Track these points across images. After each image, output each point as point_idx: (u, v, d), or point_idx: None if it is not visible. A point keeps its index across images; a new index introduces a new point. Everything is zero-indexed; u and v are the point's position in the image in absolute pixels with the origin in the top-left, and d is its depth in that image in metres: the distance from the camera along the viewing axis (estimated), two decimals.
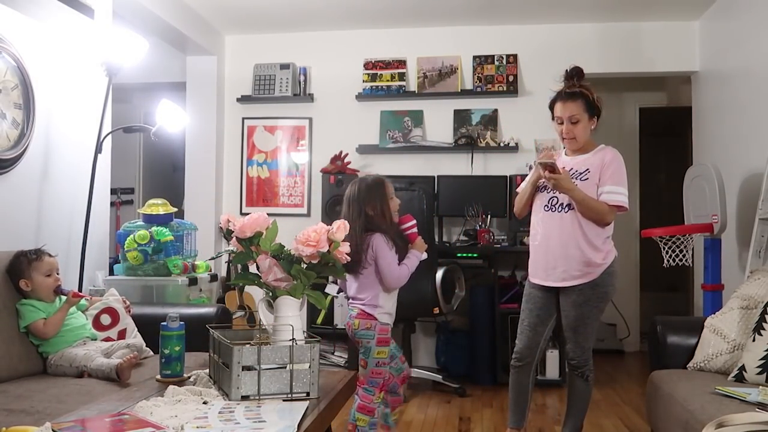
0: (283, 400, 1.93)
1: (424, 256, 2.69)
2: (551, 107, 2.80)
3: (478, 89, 4.91)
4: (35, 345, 2.51)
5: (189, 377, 2.22)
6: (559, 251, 2.70)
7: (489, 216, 4.58)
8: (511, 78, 4.88)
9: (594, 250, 2.68)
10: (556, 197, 2.71)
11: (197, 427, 1.65)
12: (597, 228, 2.69)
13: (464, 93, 4.93)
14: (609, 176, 2.68)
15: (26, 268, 2.53)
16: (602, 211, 2.66)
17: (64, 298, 2.61)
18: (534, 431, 3.33)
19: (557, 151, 2.93)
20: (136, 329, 2.81)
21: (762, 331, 2.35)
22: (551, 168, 2.62)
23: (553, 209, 2.73)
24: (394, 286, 2.65)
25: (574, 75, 2.75)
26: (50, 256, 2.62)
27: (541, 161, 2.66)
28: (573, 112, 2.69)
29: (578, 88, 2.72)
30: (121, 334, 2.76)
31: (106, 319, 2.77)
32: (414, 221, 2.72)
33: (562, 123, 2.73)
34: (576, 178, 2.69)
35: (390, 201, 2.67)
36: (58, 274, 2.63)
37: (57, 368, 2.47)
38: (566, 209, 2.69)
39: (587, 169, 2.71)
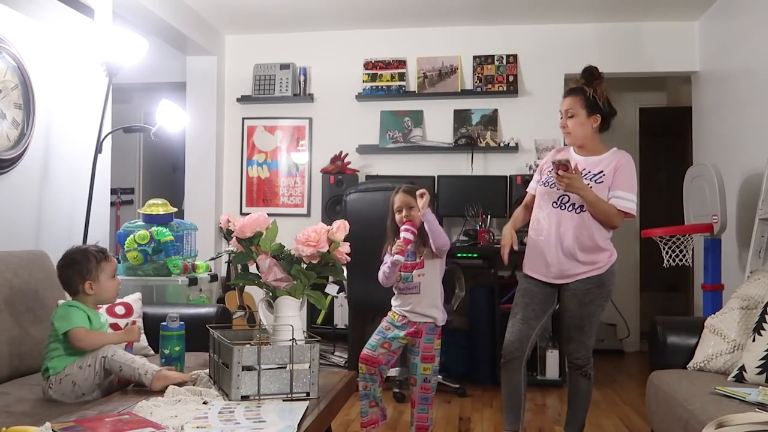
0: (283, 400, 1.93)
1: (396, 258, 2.61)
2: None
3: (478, 89, 4.91)
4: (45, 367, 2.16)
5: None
6: (568, 250, 2.69)
7: (489, 216, 4.59)
8: (511, 78, 4.88)
9: (601, 251, 2.71)
10: (567, 196, 2.71)
11: (197, 427, 1.65)
12: (603, 229, 2.71)
13: (464, 93, 4.93)
14: (621, 181, 2.69)
15: (94, 269, 2.21)
16: (612, 214, 2.67)
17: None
18: (534, 431, 3.33)
19: (564, 149, 2.96)
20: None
21: (762, 331, 2.35)
22: (564, 167, 2.60)
23: (563, 207, 2.72)
24: (382, 285, 2.78)
25: (583, 74, 2.82)
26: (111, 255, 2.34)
27: (555, 159, 2.66)
28: (568, 106, 2.78)
29: (578, 85, 2.80)
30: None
31: (120, 309, 2.79)
32: (407, 227, 2.66)
33: (562, 117, 2.82)
34: (590, 180, 2.69)
35: (396, 214, 2.73)
36: None
37: (58, 392, 2.08)
38: (578, 210, 2.69)
39: (601, 171, 2.72)
